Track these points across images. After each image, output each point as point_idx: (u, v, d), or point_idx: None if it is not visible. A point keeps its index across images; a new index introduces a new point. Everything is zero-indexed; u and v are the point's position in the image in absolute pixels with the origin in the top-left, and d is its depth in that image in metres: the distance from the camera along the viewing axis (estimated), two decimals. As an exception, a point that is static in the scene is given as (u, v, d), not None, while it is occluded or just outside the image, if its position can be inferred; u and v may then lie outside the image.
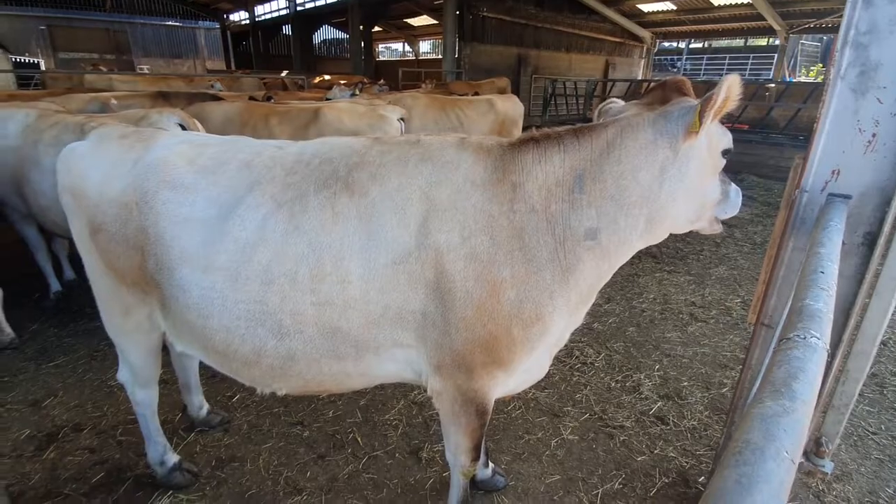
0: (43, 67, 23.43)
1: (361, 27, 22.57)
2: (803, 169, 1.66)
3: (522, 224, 1.61)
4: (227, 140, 1.95)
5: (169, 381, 3.07)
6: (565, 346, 3.72)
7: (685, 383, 3.37)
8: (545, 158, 1.63)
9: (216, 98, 6.17)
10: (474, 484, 2.45)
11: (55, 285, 4.28)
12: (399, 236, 1.60)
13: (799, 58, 28.19)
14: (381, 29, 32.40)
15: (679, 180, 1.57)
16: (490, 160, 1.65)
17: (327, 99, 6.78)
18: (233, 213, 1.68)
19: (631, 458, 2.72)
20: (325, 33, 35.42)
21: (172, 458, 2.48)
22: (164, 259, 1.73)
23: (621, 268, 5.91)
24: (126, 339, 2.11)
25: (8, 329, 3.59)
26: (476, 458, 1.97)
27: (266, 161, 1.77)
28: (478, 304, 1.59)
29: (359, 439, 2.81)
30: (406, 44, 37.29)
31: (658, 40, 25.46)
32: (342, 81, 12.34)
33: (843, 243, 1.64)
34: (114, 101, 5.40)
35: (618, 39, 23.46)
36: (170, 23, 30.74)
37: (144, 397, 2.30)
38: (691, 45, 30.92)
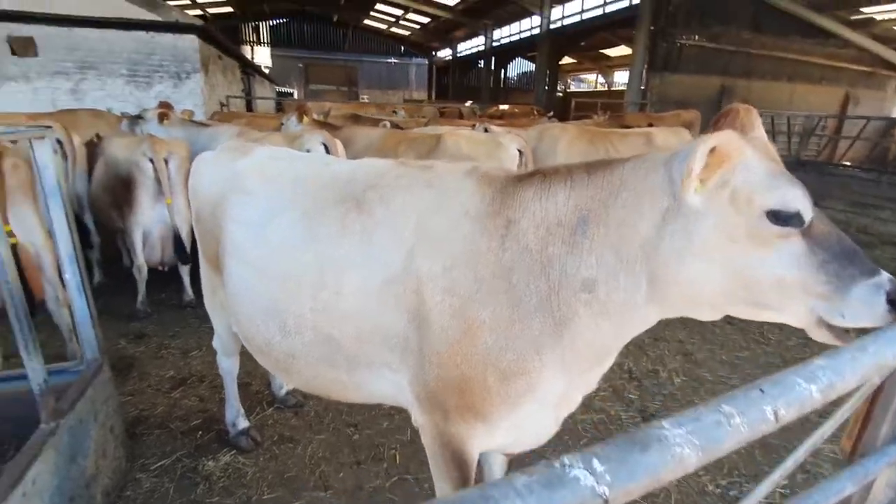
0: (296, 96, 30.20)
1: (548, 59, 23.00)
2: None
3: (512, 263, 1.44)
4: (297, 156, 2.23)
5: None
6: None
7: None
8: (547, 195, 1.44)
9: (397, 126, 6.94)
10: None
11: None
12: (392, 258, 1.60)
13: None
14: (574, 61, 32.43)
15: (685, 239, 1.22)
16: (490, 191, 1.53)
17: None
18: (273, 219, 1.91)
19: None
20: (519, 66, 37.05)
21: (243, 422, 2.88)
22: (223, 250, 2.07)
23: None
24: (214, 314, 2.54)
25: (190, 292, 4.68)
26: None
27: (311, 176, 1.96)
28: (452, 342, 1.48)
29: (397, 458, 2.83)
30: (600, 75, 36.53)
31: (932, 68, 19.64)
32: (468, 103, 12.63)
33: None
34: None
35: (865, 68, 18.90)
36: (390, 60, 36.43)
37: (227, 365, 2.74)
38: None
